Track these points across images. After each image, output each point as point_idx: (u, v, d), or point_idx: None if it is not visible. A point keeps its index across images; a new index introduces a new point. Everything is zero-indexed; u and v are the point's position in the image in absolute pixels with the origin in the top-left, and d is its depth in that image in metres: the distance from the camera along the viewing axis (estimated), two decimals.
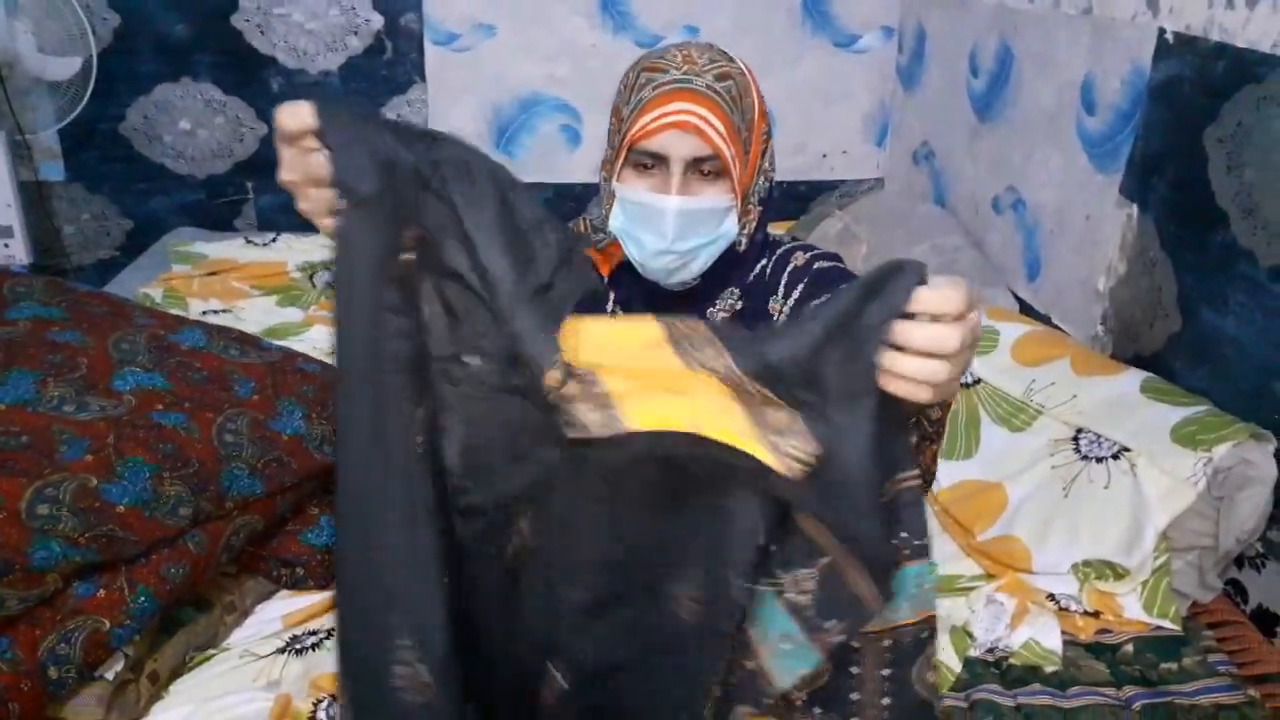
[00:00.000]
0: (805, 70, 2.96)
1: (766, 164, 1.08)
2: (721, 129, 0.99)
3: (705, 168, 1.01)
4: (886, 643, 0.78)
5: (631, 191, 1.03)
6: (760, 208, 1.09)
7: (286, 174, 0.74)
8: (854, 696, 0.79)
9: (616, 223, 1.06)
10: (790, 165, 3.07)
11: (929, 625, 0.78)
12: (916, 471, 0.72)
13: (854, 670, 0.79)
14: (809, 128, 3.04)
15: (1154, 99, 1.77)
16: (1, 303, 1.51)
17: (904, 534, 0.75)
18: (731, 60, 1.04)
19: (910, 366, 0.66)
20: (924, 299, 0.66)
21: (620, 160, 1.03)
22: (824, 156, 3.10)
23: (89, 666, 1.18)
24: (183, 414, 1.40)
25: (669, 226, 1.01)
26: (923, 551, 0.75)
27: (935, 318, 0.66)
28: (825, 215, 2.99)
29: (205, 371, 1.49)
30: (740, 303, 1.10)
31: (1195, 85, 1.65)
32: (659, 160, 1.00)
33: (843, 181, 3.13)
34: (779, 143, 3.15)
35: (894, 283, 0.66)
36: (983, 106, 2.45)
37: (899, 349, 0.66)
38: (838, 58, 2.98)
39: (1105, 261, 1.92)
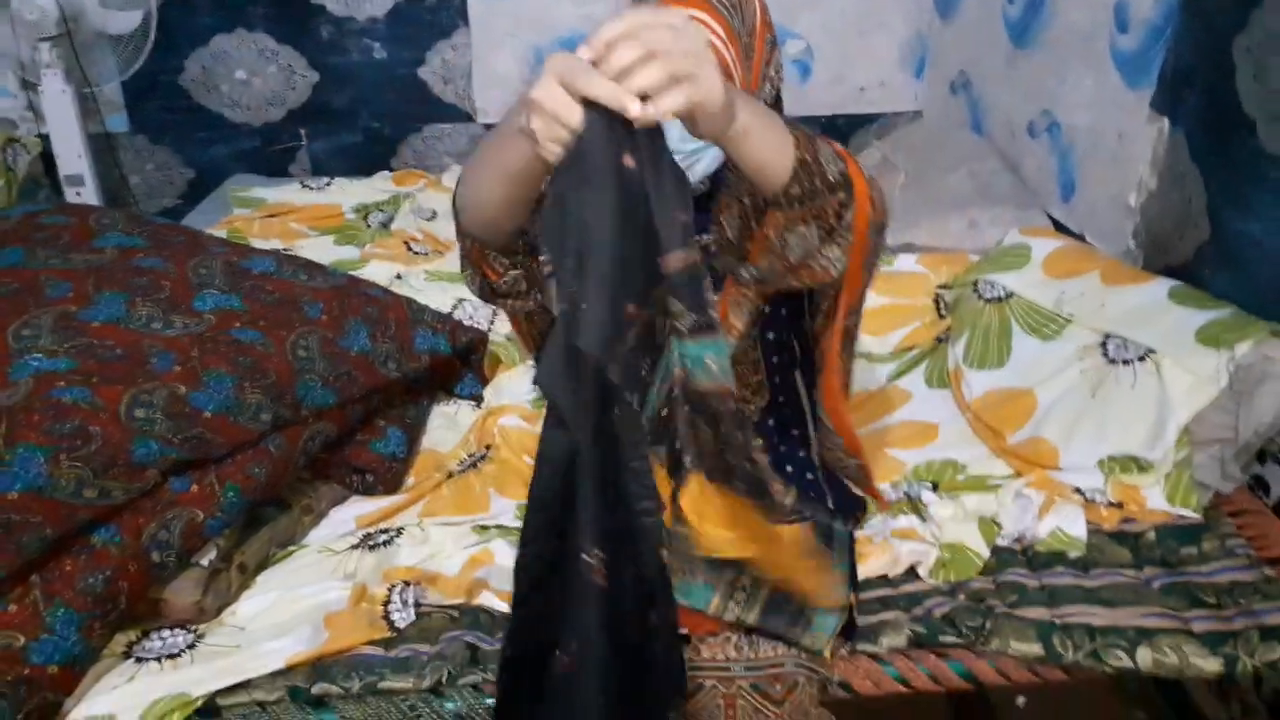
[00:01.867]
0: (841, 2, 2.99)
1: (772, 71, 1.14)
2: (721, 32, 1.04)
3: None
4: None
5: None
6: None
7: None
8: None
9: None
10: (828, 99, 3.11)
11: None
12: (685, 252, 0.80)
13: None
14: (846, 61, 3.07)
15: (1185, 12, 1.79)
16: (89, 234, 1.63)
17: (681, 307, 0.84)
18: None
19: (643, 78, 0.75)
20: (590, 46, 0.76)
21: None
22: (862, 90, 3.13)
23: (187, 553, 1.30)
24: (258, 331, 1.51)
25: (673, 126, 1.07)
26: (705, 328, 0.84)
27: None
28: (864, 147, 3.03)
29: (277, 294, 1.60)
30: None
31: None
32: None
33: (881, 115, 3.16)
34: (816, 77, 3.17)
35: None
36: (1018, 32, 2.47)
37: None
38: None
39: (1136, 177, 1.95)
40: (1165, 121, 1.87)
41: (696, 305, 0.83)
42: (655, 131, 0.80)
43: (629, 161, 0.79)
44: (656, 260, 0.81)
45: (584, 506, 0.86)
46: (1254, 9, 1.60)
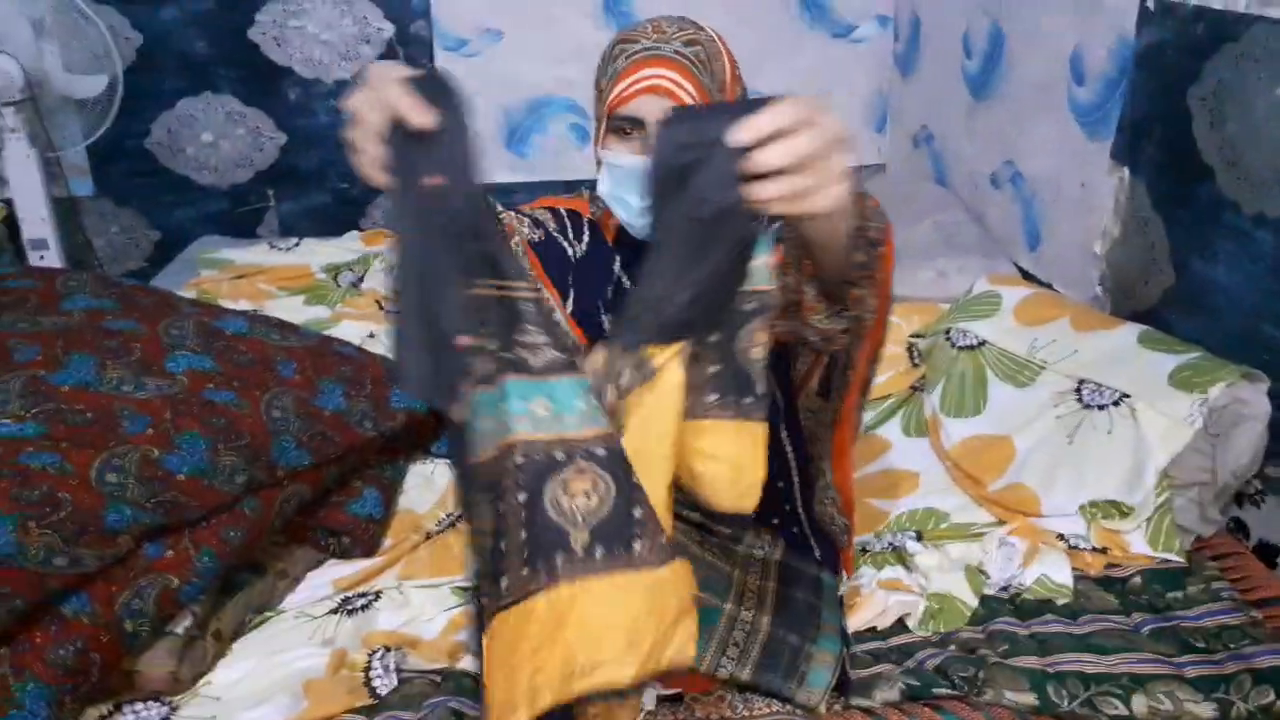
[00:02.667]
0: (804, 61, 3.05)
1: None
2: (692, 90, 1.06)
3: None
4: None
5: (614, 156, 1.10)
6: None
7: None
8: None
9: (604, 188, 1.14)
10: None
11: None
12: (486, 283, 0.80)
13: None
14: None
15: (1140, 65, 1.85)
16: (56, 296, 1.60)
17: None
18: (700, 29, 1.12)
19: (772, 189, 0.73)
20: (755, 124, 0.72)
21: (603, 129, 1.12)
22: None
23: (161, 621, 1.26)
24: (232, 392, 1.48)
25: (633, 181, 1.08)
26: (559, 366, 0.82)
27: (775, 136, 0.72)
28: None
29: (250, 354, 1.58)
30: None
31: (1177, 49, 1.73)
32: (636, 124, 1.08)
33: None
34: None
35: (723, 125, 0.73)
36: (978, 86, 2.54)
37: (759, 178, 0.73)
38: (835, 48, 3.07)
39: (1100, 225, 2.00)
40: (1125, 170, 1.92)
41: (505, 342, 0.80)
42: (462, 150, 0.76)
43: (434, 181, 0.76)
44: (468, 291, 0.79)
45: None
46: (1206, 60, 1.65)
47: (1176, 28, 1.73)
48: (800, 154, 0.72)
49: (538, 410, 0.81)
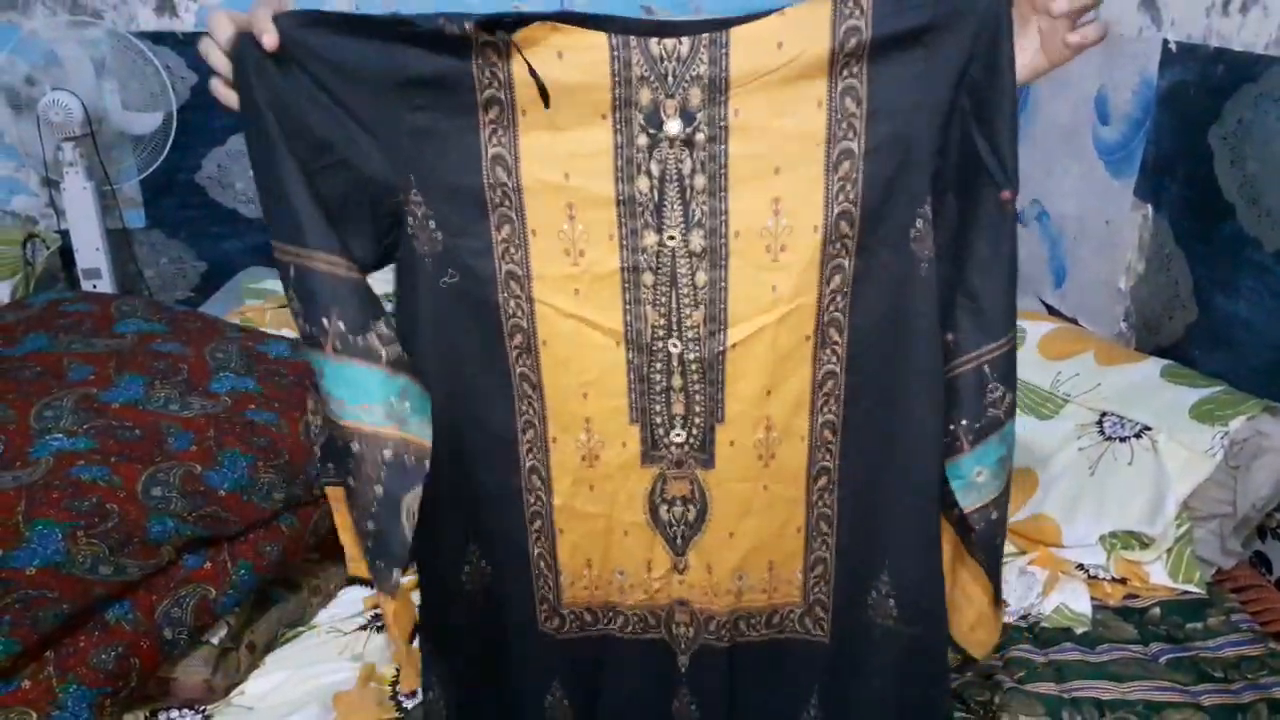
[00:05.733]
0: None
1: None
2: None
3: None
4: None
5: None
6: None
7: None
8: None
9: None
10: None
11: None
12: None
13: None
14: None
15: (1162, 105, 1.88)
16: (110, 319, 1.68)
17: None
18: None
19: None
20: None
21: None
22: None
23: (198, 630, 1.31)
24: (273, 413, 1.54)
25: None
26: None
27: None
28: None
29: (291, 376, 1.64)
30: None
31: (1199, 89, 1.76)
32: None
33: None
34: None
35: None
36: None
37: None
38: None
39: (1125, 262, 2.01)
40: (1149, 208, 1.94)
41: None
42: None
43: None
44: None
45: None
46: (1226, 100, 1.68)
47: (1198, 69, 1.76)
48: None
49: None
